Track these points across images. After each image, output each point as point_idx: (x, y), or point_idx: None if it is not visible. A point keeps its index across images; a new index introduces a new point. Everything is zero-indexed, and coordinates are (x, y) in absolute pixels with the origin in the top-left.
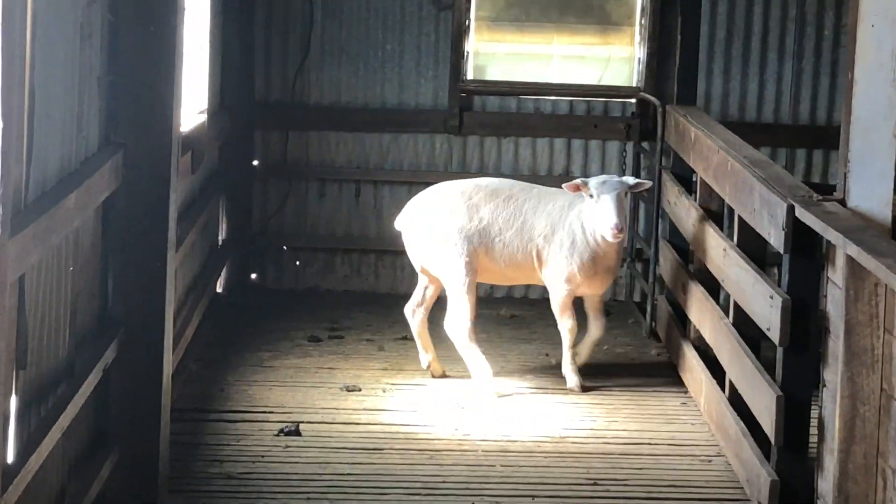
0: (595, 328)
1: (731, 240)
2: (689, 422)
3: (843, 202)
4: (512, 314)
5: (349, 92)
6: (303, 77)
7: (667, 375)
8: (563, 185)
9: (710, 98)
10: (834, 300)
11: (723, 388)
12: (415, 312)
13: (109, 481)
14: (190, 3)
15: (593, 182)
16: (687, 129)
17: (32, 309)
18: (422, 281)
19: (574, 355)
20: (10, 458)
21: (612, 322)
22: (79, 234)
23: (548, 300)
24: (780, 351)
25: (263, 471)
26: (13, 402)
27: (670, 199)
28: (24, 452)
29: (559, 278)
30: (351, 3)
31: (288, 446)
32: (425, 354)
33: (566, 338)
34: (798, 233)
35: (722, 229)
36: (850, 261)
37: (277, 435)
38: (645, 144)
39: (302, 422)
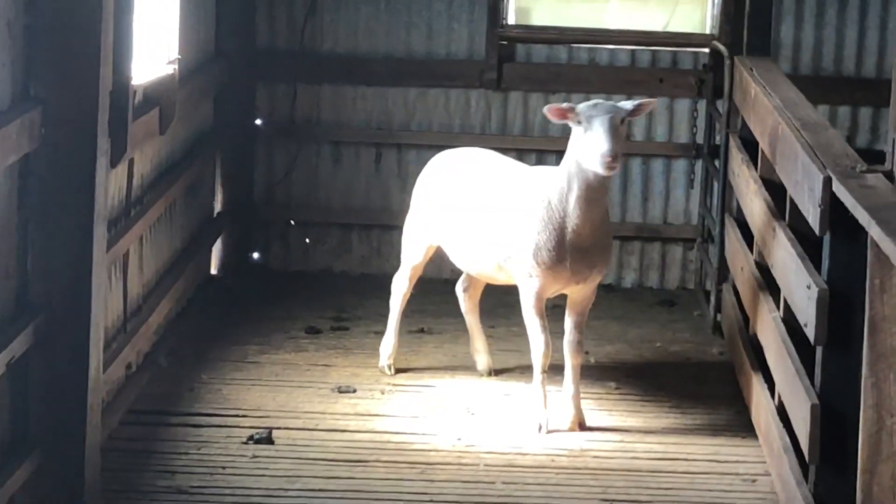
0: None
1: (784, 219)
2: (740, 435)
3: (890, 174)
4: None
5: (369, 39)
6: (314, 21)
7: (724, 380)
8: (546, 109)
9: (800, 48)
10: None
11: (773, 396)
12: None
13: (24, 493)
14: None
15: (583, 106)
16: (749, 86)
17: None
18: None
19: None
20: None
21: (675, 314)
22: None
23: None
24: (818, 351)
25: (221, 484)
26: None
27: (734, 169)
28: None
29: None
30: None
31: (256, 456)
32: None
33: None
34: (838, 211)
35: (783, 205)
36: (875, 245)
37: (245, 443)
38: (720, 103)
39: (277, 427)
